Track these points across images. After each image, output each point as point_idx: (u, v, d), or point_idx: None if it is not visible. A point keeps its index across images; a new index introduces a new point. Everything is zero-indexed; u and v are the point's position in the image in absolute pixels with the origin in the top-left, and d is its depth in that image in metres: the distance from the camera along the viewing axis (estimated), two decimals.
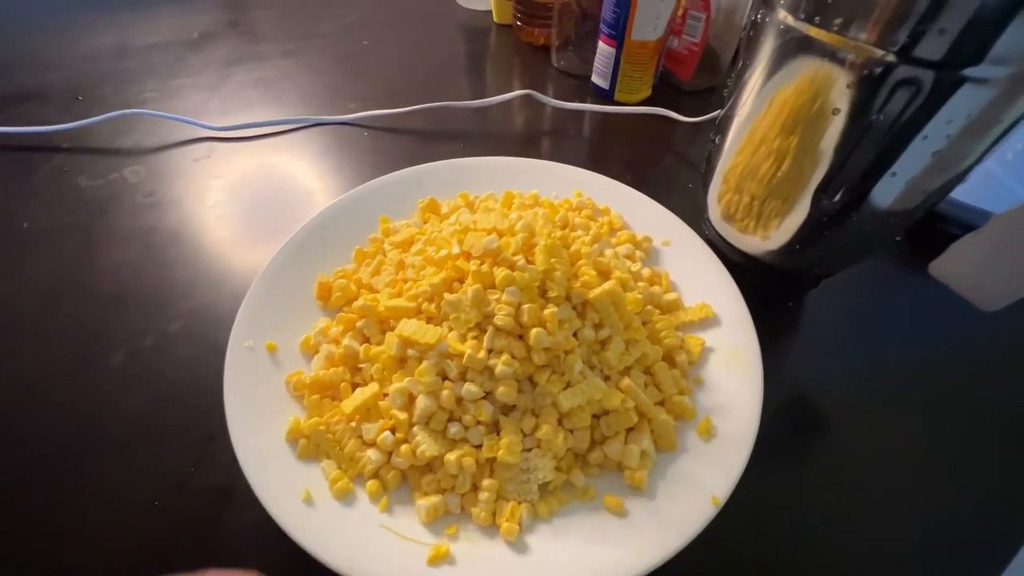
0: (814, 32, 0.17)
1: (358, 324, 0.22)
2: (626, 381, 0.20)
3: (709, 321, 0.24)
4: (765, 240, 0.24)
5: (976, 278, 0.19)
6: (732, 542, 0.19)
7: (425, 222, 0.29)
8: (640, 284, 0.25)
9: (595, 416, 0.20)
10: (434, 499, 0.18)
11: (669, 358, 0.23)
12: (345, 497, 0.19)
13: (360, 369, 0.22)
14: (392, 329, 0.22)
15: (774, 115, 0.20)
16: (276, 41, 0.48)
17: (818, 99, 0.18)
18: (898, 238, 0.23)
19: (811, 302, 0.28)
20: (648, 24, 0.36)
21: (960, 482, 0.22)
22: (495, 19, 0.52)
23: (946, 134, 0.17)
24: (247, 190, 0.34)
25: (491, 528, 0.18)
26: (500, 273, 0.20)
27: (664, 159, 0.37)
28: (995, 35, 0.14)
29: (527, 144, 0.38)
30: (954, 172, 0.19)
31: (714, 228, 0.27)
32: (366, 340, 0.22)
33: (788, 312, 0.28)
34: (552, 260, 0.21)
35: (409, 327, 0.20)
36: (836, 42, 0.17)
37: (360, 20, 0.52)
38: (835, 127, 0.18)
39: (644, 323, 0.23)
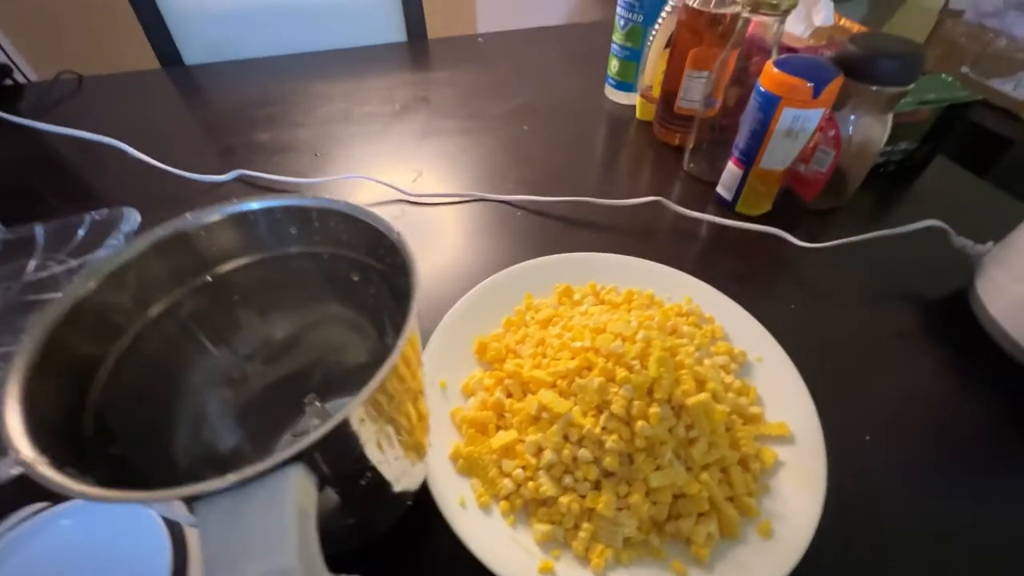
0: None
1: (505, 381, 0.31)
2: (704, 475, 0.26)
3: (785, 438, 0.29)
4: None
5: None
6: None
7: (560, 304, 0.37)
8: (729, 395, 0.30)
9: (675, 496, 0.26)
10: (547, 527, 0.26)
11: (744, 463, 0.28)
12: (485, 508, 0.27)
13: (504, 416, 0.30)
14: (531, 391, 0.30)
15: None
16: (457, 118, 0.60)
17: None
18: None
19: None
20: (777, 158, 0.42)
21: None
22: (637, 115, 0.60)
23: None
24: (430, 250, 0.44)
25: (583, 560, 0.25)
26: (620, 373, 0.27)
27: (773, 277, 0.42)
28: None
29: (649, 241, 0.45)
30: None
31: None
32: (510, 394, 0.31)
33: None
34: (661, 369, 0.27)
35: (547, 397, 0.28)
36: None
37: (523, 105, 0.63)
38: None
39: (727, 429, 0.28)
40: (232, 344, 0.24)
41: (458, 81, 0.68)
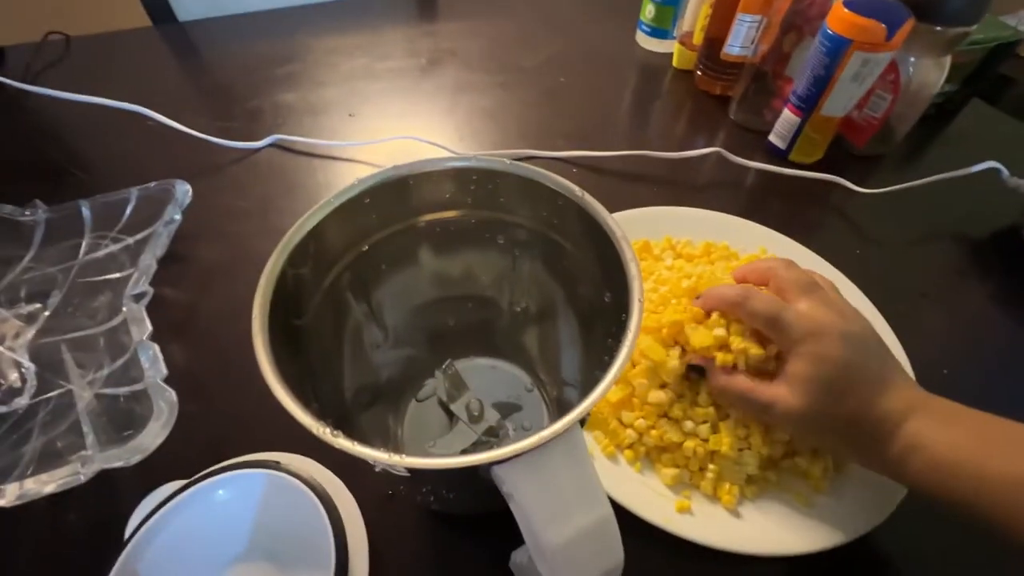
0: None
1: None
2: None
3: None
4: None
5: None
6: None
7: (642, 260, 0.37)
8: None
9: None
10: (675, 470, 0.27)
11: None
12: (611, 458, 0.28)
13: None
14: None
15: None
16: (489, 72, 0.58)
17: None
18: None
19: None
20: (839, 104, 0.42)
21: None
22: (674, 63, 0.59)
23: None
24: None
25: (712, 498, 0.27)
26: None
27: (834, 224, 0.43)
28: None
29: (707, 193, 0.45)
30: None
31: None
32: None
33: None
34: None
35: (654, 351, 0.29)
36: None
37: (554, 57, 0.60)
38: None
39: None
40: (383, 306, 0.24)
41: (481, 31, 0.65)
